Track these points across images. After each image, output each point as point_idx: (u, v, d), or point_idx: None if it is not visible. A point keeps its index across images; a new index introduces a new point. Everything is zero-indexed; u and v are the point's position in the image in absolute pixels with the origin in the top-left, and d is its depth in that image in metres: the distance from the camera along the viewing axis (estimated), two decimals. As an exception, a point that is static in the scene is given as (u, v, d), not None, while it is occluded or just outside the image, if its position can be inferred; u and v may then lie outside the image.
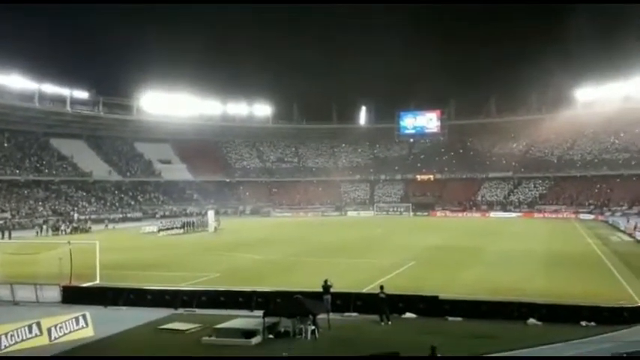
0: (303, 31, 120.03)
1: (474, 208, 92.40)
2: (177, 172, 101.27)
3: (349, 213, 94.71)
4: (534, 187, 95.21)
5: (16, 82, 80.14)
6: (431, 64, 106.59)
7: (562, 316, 20.87)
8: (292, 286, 24.58)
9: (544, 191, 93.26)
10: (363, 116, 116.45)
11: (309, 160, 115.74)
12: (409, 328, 20.56)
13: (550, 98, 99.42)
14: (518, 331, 19.83)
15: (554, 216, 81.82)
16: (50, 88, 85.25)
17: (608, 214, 75.94)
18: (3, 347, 18.04)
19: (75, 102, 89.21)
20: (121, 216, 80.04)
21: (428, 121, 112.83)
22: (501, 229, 62.32)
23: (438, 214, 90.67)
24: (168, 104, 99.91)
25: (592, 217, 77.12)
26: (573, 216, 79.39)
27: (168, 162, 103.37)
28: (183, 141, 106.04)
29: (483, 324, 20.48)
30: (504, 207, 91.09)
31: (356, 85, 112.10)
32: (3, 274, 29.13)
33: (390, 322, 21.01)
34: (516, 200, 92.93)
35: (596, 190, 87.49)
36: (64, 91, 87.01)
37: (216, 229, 64.88)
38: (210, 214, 68.21)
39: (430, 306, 22.20)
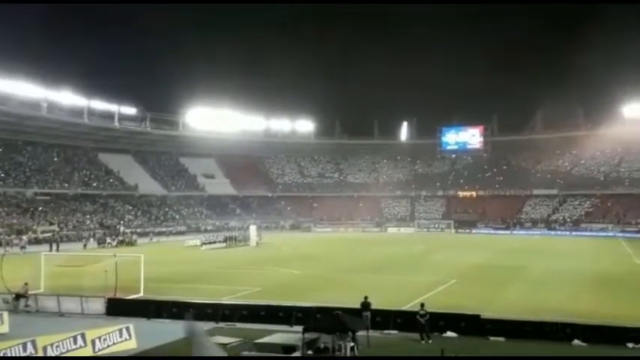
0: (346, 48, 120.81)
1: (518, 226, 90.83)
2: (221, 186, 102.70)
3: (389, 229, 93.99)
4: (580, 204, 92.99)
5: (66, 98, 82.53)
6: (474, 79, 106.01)
7: (608, 337, 20.32)
8: (332, 302, 24.52)
9: (590, 209, 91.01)
10: (404, 132, 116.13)
11: (350, 176, 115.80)
12: (450, 347, 20.26)
13: (597, 114, 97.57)
14: (562, 353, 19.33)
15: (600, 234, 79.70)
16: (99, 105, 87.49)
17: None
18: (49, 358, 18.49)
19: (123, 118, 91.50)
20: (165, 229, 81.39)
21: (470, 136, 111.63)
22: (545, 248, 61.05)
23: (481, 231, 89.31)
24: (213, 120, 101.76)
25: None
26: (620, 235, 77.22)
27: (212, 177, 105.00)
28: (227, 156, 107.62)
29: (526, 344, 20.07)
30: (549, 225, 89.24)
31: (398, 100, 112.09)
32: (50, 285, 29.93)
33: (430, 341, 20.71)
34: (561, 218, 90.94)
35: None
36: (113, 108, 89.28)
37: (258, 243, 65.39)
38: (252, 228, 68.65)
39: (471, 325, 21.82)
